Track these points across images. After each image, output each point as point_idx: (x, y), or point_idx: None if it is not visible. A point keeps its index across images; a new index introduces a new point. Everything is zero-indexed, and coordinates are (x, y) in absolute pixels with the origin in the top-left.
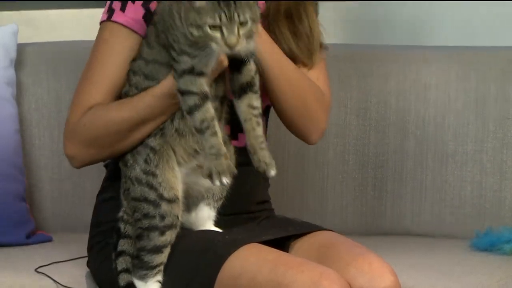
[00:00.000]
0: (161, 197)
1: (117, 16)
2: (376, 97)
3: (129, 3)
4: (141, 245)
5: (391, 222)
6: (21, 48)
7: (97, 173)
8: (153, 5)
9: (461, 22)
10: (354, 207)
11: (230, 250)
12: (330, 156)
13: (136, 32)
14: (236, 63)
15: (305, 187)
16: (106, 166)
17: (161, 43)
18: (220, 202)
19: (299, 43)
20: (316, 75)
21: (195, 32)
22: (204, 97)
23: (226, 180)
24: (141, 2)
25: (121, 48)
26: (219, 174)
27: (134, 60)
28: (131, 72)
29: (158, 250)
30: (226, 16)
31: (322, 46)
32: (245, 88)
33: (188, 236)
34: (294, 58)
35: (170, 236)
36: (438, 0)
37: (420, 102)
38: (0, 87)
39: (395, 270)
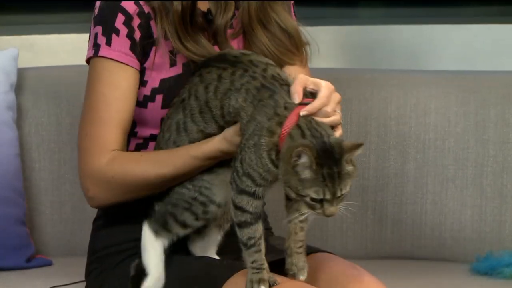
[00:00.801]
0: (211, 200)
1: (104, 51)
2: (376, 121)
3: (114, 36)
4: (172, 211)
5: (391, 246)
6: (21, 73)
7: None
8: (137, 36)
9: (461, 47)
10: (354, 231)
11: (227, 275)
12: None
13: (126, 64)
14: None
15: None
16: None
17: (222, 110)
18: (228, 225)
19: (277, 44)
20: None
21: (292, 195)
22: (257, 217)
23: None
24: (126, 33)
25: (118, 81)
26: (259, 283)
27: (189, 95)
28: (188, 102)
29: (184, 227)
30: (330, 192)
31: (304, 44)
32: None
33: (186, 261)
34: (277, 60)
35: (202, 223)
36: (438, 24)
37: (420, 126)
38: (0, 111)
39: None
